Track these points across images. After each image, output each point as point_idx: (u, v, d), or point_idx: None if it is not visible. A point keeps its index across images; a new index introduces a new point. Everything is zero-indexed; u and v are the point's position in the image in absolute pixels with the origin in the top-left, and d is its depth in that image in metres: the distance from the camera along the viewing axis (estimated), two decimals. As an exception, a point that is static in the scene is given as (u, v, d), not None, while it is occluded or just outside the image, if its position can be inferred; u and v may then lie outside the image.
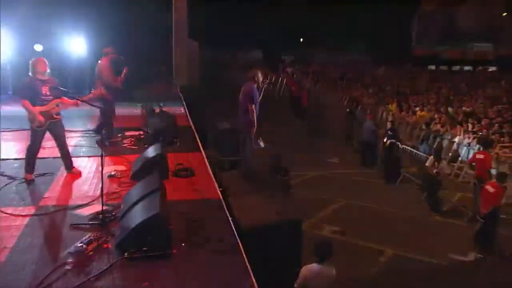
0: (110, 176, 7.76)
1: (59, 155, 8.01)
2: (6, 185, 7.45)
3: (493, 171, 12.07)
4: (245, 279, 4.84)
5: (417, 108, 19.58)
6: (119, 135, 10.22)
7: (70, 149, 8.54)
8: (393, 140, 15.83)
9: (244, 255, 5.23)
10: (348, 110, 20.75)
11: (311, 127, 21.92)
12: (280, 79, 30.18)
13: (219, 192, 7.10)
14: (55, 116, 7.53)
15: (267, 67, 34.83)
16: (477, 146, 14.03)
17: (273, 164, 10.72)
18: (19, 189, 7.35)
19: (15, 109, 9.07)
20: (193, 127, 11.05)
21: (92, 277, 4.79)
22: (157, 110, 11.28)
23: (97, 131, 9.85)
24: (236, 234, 5.72)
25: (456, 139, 15.87)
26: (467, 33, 37.82)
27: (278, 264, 6.54)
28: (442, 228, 11.97)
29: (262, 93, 8.74)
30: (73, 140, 9.86)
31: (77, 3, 15.18)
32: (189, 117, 11.93)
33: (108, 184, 7.45)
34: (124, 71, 9.89)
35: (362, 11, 33.97)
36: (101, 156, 6.27)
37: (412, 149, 17.34)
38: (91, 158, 8.80)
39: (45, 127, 7.50)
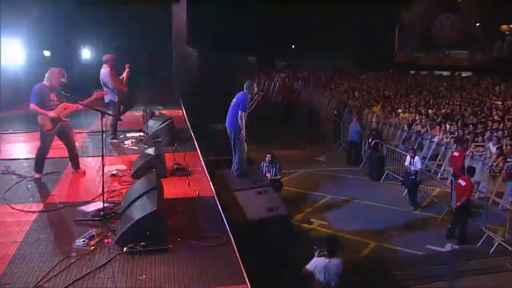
0: (112, 175, 7.72)
1: (65, 155, 7.98)
2: (16, 183, 7.43)
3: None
4: (237, 272, 4.81)
5: (400, 110, 19.57)
6: (121, 136, 10.16)
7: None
8: (377, 140, 15.81)
9: (236, 250, 5.20)
10: (335, 112, 20.74)
11: (301, 128, 21.96)
12: (273, 83, 30.24)
13: (213, 190, 7.06)
14: (63, 119, 7.49)
15: (261, 72, 34.91)
16: (454, 145, 14.06)
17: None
18: (28, 187, 7.35)
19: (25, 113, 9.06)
20: (190, 129, 11.01)
21: (93, 270, 4.77)
22: (157, 113, 11.24)
23: (112, 132, 9.78)
24: (228, 229, 5.68)
25: (436, 139, 15.88)
26: (444, 41, 37.99)
27: (269, 256, 6.52)
28: (421, 221, 11.97)
29: (254, 104, 8.81)
30: (79, 141, 9.80)
31: (80, 11, 15.15)
32: (186, 120, 11.88)
33: (110, 183, 7.42)
34: (125, 73, 9.81)
35: (349, 19, 34.00)
36: (102, 156, 6.21)
37: (395, 148, 17.33)
38: (95, 158, 8.75)
39: (55, 130, 7.46)
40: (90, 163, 8.51)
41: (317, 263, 6.47)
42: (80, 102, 7.39)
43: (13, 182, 7.47)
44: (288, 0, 33.64)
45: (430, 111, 18.94)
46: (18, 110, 11.70)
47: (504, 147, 13.18)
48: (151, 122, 10.43)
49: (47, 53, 15.34)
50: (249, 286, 4.51)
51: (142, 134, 10.33)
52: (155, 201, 5.39)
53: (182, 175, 7.74)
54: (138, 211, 5.38)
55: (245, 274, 4.70)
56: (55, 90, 7.40)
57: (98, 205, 6.21)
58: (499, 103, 20.53)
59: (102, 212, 5.98)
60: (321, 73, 33.24)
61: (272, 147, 14.26)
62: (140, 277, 4.66)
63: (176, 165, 8.01)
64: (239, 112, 8.43)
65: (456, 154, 12.87)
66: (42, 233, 5.71)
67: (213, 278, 4.72)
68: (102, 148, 6.33)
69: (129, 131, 10.64)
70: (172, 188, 7.14)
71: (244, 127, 8.52)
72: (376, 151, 15.52)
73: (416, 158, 12.72)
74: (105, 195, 6.69)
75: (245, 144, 8.87)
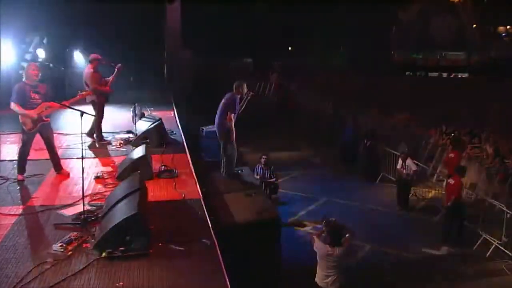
0: (97, 177, 7.50)
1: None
2: (-1, 185, 7.21)
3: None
4: (219, 278, 4.60)
5: (395, 111, 19.39)
6: (109, 137, 9.94)
7: (61, 151, 8.29)
8: (373, 141, 15.64)
9: (220, 254, 4.99)
10: (330, 113, 20.56)
11: (296, 130, 21.78)
12: (268, 84, 30.04)
13: (200, 193, 6.84)
14: (44, 119, 7.29)
15: (257, 73, 34.72)
16: (450, 146, 13.88)
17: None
18: (10, 189, 7.14)
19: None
20: (180, 130, 10.79)
21: (69, 276, 4.55)
22: (147, 114, 11.02)
23: (88, 134, 9.54)
24: (213, 234, 5.47)
25: (432, 140, 15.71)
26: (441, 42, 37.88)
27: (255, 262, 6.31)
28: (416, 224, 11.84)
29: (244, 104, 8.65)
30: (63, 142, 9.58)
31: (72, 12, 14.96)
32: (177, 121, 11.66)
33: (94, 185, 7.21)
34: (116, 71, 9.56)
35: (346, 19, 33.82)
36: (82, 158, 5.99)
37: (391, 150, 17.15)
38: (80, 160, 8.51)
39: (36, 129, 7.27)
40: (75, 165, 8.27)
41: (319, 249, 6.73)
42: (63, 102, 7.18)
43: (-4, 184, 7.25)
44: (285, 1, 33.50)
45: (426, 112, 18.77)
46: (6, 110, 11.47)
47: (500, 148, 13.02)
48: (140, 123, 10.20)
49: (41, 52, 15.11)
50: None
51: (131, 135, 10.10)
52: (136, 203, 5.17)
53: (169, 177, 7.50)
54: (118, 215, 5.17)
55: (227, 280, 4.49)
56: (38, 89, 7.20)
57: (79, 208, 5.99)
58: (496, 104, 20.35)
59: (82, 216, 5.75)
60: (317, 74, 33.06)
61: (266, 149, 14.14)
62: (117, 284, 4.44)
63: (163, 167, 7.79)
64: (228, 113, 8.26)
65: (452, 155, 12.72)
66: (20, 237, 5.52)
67: (194, 284, 4.51)
68: (82, 149, 6.14)
69: (118, 133, 10.42)
70: (158, 191, 6.93)
71: (233, 128, 8.35)
72: (371, 152, 15.33)
73: (409, 160, 12.52)
74: (88, 198, 6.54)
75: (235, 145, 8.67)
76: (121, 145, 9.57)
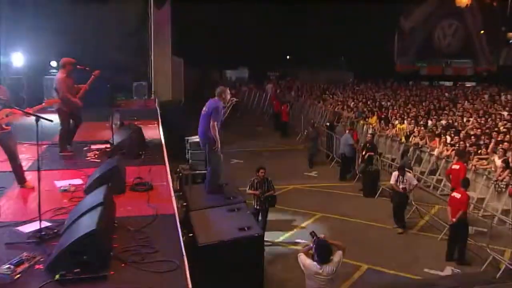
0: (64, 191, 7.11)
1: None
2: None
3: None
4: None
5: (397, 122, 19.01)
6: (85, 148, 9.57)
7: (26, 162, 7.90)
8: (372, 153, 15.32)
9: (188, 277, 4.59)
10: (327, 124, 20.25)
11: (291, 141, 21.45)
12: (264, 95, 29.88)
13: (175, 207, 6.46)
14: (4, 127, 6.90)
15: (253, 83, 34.56)
16: (455, 158, 13.49)
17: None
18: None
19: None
20: (163, 140, 10.42)
21: (12, 303, 4.16)
22: (127, 123, 10.66)
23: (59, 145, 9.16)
24: (184, 253, 5.07)
25: (435, 152, 15.35)
26: (446, 50, 37.70)
27: (234, 283, 5.90)
28: (418, 242, 11.44)
29: (228, 111, 8.39)
30: (29, 153, 9.19)
31: (55, 17, 14.78)
32: (160, 131, 11.31)
33: (59, 199, 6.81)
34: (92, 77, 9.17)
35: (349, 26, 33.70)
36: (38, 170, 5.61)
37: (392, 162, 16.83)
38: (50, 172, 8.12)
39: None
40: (45, 177, 7.88)
41: (306, 266, 6.49)
42: (26, 109, 6.80)
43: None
44: (282, 10, 33.43)
45: (429, 122, 18.41)
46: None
47: (510, 160, 12.61)
48: (118, 133, 9.83)
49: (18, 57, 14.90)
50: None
51: (107, 145, 9.72)
52: (95, 219, 4.78)
53: (143, 190, 7.12)
54: (75, 232, 4.77)
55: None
56: None
57: (37, 225, 5.59)
58: (505, 113, 20.00)
59: (39, 233, 5.36)
60: (315, 84, 32.88)
61: (261, 160, 13.81)
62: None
63: (137, 179, 7.40)
64: (211, 121, 7.92)
65: (456, 167, 12.35)
66: (-31, 258, 5.10)
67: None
68: (38, 160, 5.72)
69: (94, 143, 10.05)
70: (128, 205, 6.53)
71: (218, 137, 8.01)
72: (370, 165, 14.99)
73: (408, 175, 12.11)
74: (50, 213, 6.15)
75: (221, 155, 8.32)
76: (97, 155, 9.21)
